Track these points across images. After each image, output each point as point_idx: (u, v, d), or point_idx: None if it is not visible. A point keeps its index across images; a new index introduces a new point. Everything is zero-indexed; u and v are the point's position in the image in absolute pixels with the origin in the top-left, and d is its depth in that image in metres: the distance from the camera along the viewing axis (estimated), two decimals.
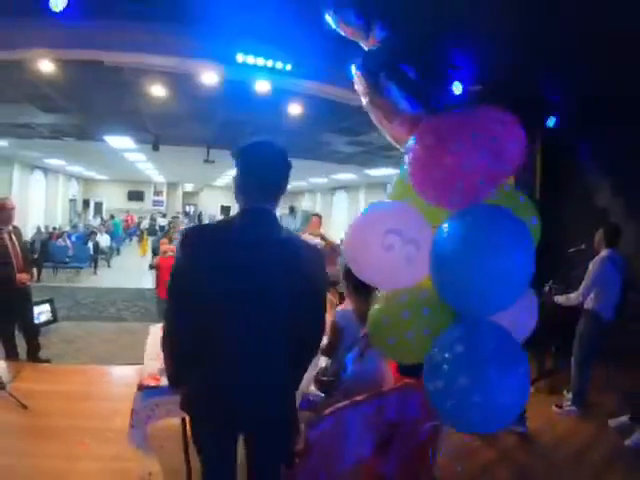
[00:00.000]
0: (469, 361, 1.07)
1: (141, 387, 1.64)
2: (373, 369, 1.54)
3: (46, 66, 3.16)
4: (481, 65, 4.00)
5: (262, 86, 3.75)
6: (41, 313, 4.29)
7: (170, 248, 4.70)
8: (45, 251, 8.97)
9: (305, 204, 19.75)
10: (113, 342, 4.69)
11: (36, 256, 8.74)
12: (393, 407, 1.44)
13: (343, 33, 1.48)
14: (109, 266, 11.26)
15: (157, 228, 15.96)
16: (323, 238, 4.46)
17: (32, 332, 3.58)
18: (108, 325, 5.60)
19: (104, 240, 11.45)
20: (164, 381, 1.58)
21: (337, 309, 1.77)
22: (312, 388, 1.62)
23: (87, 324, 5.52)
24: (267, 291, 1.17)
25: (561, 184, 4.46)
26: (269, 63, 3.23)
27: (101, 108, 4.92)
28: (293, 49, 3.38)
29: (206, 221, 15.44)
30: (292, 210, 19.54)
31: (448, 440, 2.40)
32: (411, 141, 1.18)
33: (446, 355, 1.09)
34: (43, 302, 4.41)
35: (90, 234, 11.09)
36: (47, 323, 4.38)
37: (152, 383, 1.63)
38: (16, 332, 3.45)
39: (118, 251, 13.50)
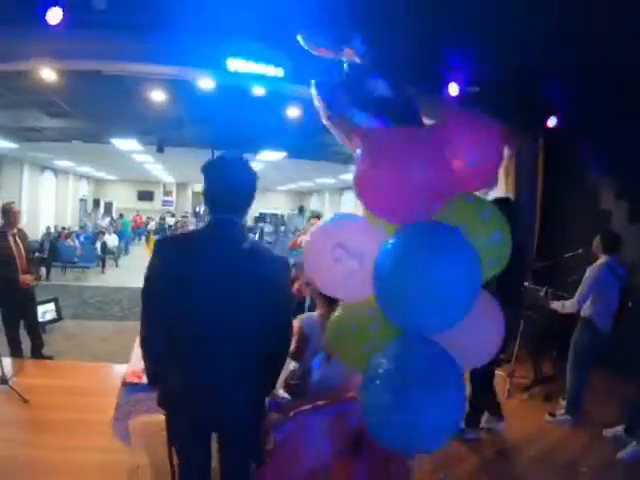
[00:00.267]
0: (394, 379, 1.06)
1: (125, 383, 1.78)
2: (338, 374, 1.57)
3: (48, 75, 3.35)
4: (479, 66, 4.04)
5: (259, 89, 3.88)
6: (46, 312, 4.53)
7: None
8: (54, 251, 9.30)
9: (313, 204, 19.91)
10: (114, 340, 4.88)
11: (45, 256, 9.08)
12: (356, 414, 1.43)
13: (316, 54, 1.52)
14: (117, 265, 11.59)
15: (166, 227, 16.37)
16: None
17: (36, 330, 3.79)
18: (111, 324, 5.82)
19: (112, 240, 11.78)
20: (145, 379, 1.71)
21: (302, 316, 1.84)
22: (281, 391, 1.70)
23: (91, 323, 5.75)
24: (231, 298, 1.27)
25: (563, 186, 4.46)
26: (262, 69, 3.34)
27: (104, 112, 5.14)
28: (286, 54, 3.48)
29: None
30: (301, 210, 19.70)
31: None
32: (357, 155, 1.20)
33: (378, 371, 1.09)
34: (48, 301, 4.65)
35: (98, 234, 11.43)
36: (52, 321, 4.62)
37: (135, 380, 1.76)
38: (21, 330, 3.67)
39: (127, 250, 13.85)
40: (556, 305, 3.07)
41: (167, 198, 21.11)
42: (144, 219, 18.22)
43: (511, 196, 4.73)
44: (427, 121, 1.53)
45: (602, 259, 2.86)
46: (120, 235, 12.90)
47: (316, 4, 2.28)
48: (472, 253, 1.10)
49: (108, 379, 3.53)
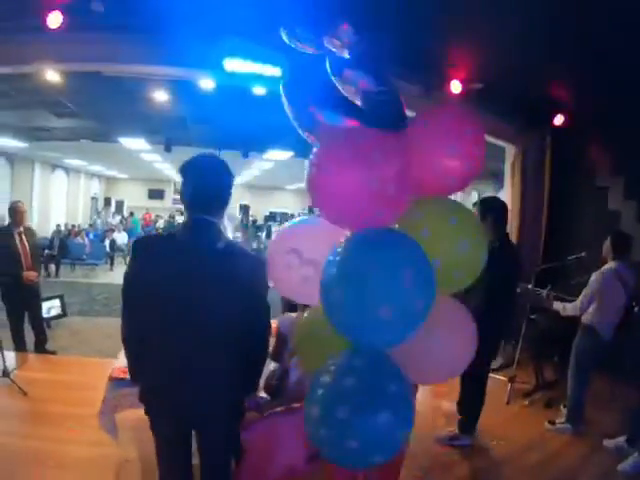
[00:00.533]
0: (327, 392, 1.03)
1: (111, 378, 1.87)
2: None
3: (52, 76, 3.49)
4: (483, 63, 4.01)
5: (259, 89, 3.95)
6: (51, 308, 4.71)
7: None
8: (63, 248, 9.61)
9: None
10: (119, 337, 5.04)
11: (55, 253, 9.39)
12: None
13: (301, 49, 1.42)
14: (126, 263, 11.87)
15: (175, 225, 16.69)
16: None
17: (40, 325, 3.96)
18: (117, 321, 5.93)
19: (121, 238, 12.07)
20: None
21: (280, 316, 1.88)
22: (262, 392, 1.73)
23: (97, 319, 5.94)
24: (205, 298, 1.31)
25: (570, 185, 4.40)
26: (258, 69, 3.40)
27: (109, 112, 5.30)
28: (283, 53, 3.53)
29: (225, 219, 15.86)
30: (311, 210, 19.76)
31: (423, 453, 2.47)
32: (310, 159, 1.15)
33: (318, 380, 1.07)
34: (54, 297, 4.83)
35: (106, 232, 11.73)
36: (56, 317, 4.80)
37: (121, 375, 1.85)
38: (26, 325, 3.84)
39: None
40: (557, 306, 3.01)
41: (178, 196, 21.34)
42: (153, 217, 18.58)
43: (510, 195, 4.72)
44: None
45: (610, 264, 2.76)
46: (130, 233, 13.19)
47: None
48: (421, 263, 1.03)
49: (107, 374, 3.67)
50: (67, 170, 14.36)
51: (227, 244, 1.37)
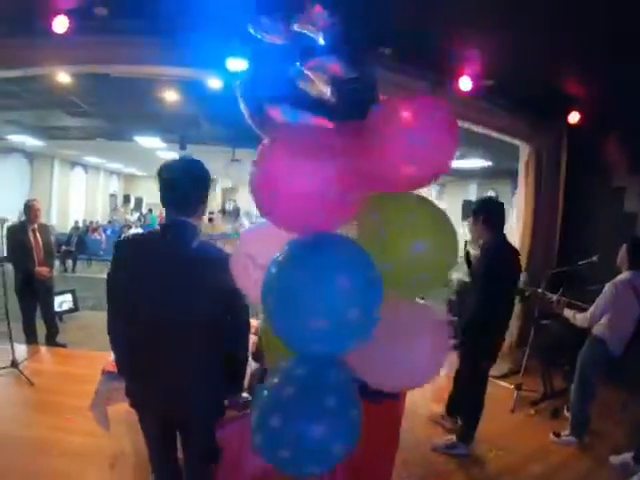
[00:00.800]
0: (264, 397, 1.01)
1: (104, 372, 1.97)
2: None
3: (64, 78, 3.66)
4: (494, 59, 3.94)
5: None
6: (63, 302, 4.94)
7: None
8: (81, 244, 10.00)
9: None
10: None
11: (72, 249, 9.80)
12: None
13: (270, 41, 1.27)
14: None
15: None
16: None
17: (51, 319, 4.17)
18: None
19: None
20: None
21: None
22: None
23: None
24: (180, 298, 1.35)
25: (586, 186, 4.28)
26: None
27: (122, 112, 5.49)
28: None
29: (243, 218, 16.03)
30: None
31: (418, 460, 2.50)
32: (254, 160, 1.09)
33: (266, 384, 1.05)
34: (66, 292, 5.07)
35: (123, 228, 12.12)
36: (68, 311, 5.03)
37: (112, 369, 1.94)
38: (38, 318, 4.04)
39: None
40: (568, 314, 2.93)
41: None
42: None
43: (523, 196, 4.61)
44: None
45: (625, 274, 2.66)
46: (147, 229, 13.54)
47: None
48: (359, 270, 0.96)
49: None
50: (86, 167, 14.88)
51: (201, 244, 1.41)
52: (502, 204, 2.69)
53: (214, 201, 21.65)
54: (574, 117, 3.99)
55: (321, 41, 1.13)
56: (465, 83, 3.96)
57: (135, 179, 21.79)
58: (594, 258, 3.28)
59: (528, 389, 3.45)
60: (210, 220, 11.69)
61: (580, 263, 3.42)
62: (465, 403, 2.69)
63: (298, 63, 1.09)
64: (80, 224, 11.91)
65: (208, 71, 3.48)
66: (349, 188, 1.00)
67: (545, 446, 2.77)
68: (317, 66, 1.10)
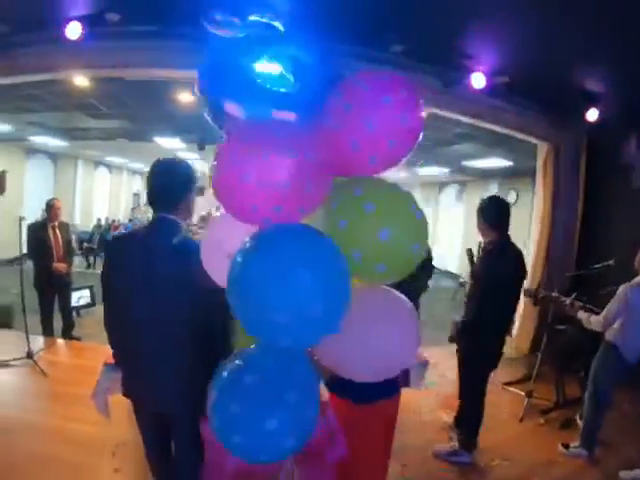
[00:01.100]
0: (223, 381, 1.02)
1: (106, 363, 2.08)
2: None
3: (81, 81, 3.86)
4: (509, 54, 3.87)
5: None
6: (81, 297, 5.20)
7: None
8: (102, 242, 10.43)
9: None
10: None
11: (94, 246, 10.25)
12: None
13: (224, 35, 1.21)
14: None
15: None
16: (427, 251, 4.98)
17: (68, 313, 4.40)
18: None
19: None
20: None
21: None
22: None
23: None
24: (161, 295, 1.41)
25: (606, 186, 4.14)
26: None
27: (141, 113, 5.70)
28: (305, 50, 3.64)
29: None
30: None
31: (417, 465, 2.49)
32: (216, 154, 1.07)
33: (224, 367, 1.06)
34: (84, 288, 5.33)
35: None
36: (85, 306, 5.28)
37: (112, 361, 2.04)
38: (56, 312, 4.27)
39: None
40: (582, 316, 2.84)
41: None
42: None
43: (542, 196, 4.49)
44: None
45: (639, 278, 2.57)
46: None
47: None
48: (321, 263, 0.94)
49: None
50: (109, 167, 15.44)
51: (182, 240, 1.44)
52: (507, 204, 2.65)
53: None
54: (593, 115, 3.86)
55: (280, 28, 1.10)
56: (478, 80, 3.90)
57: None
58: (611, 262, 3.19)
59: (540, 397, 3.37)
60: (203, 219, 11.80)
61: (596, 266, 3.33)
62: (464, 408, 2.66)
63: (256, 55, 1.06)
64: (103, 222, 12.41)
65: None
66: (310, 177, 0.98)
67: (552, 458, 2.69)
68: (275, 55, 1.07)
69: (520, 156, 6.50)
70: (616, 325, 2.58)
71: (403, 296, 1.20)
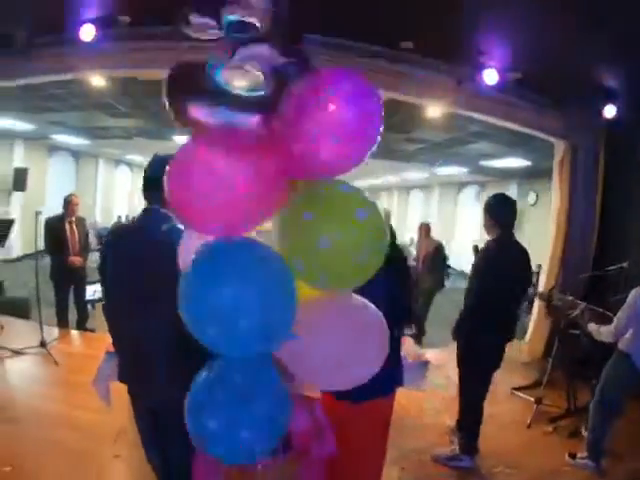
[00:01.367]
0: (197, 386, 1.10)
1: (107, 350, 2.17)
2: None
3: (98, 81, 4.02)
4: (522, 50, 3.79)
5: None
6: (96, 291, 5.37)
7: None
8: None
9: (382, 203, 19.87)
10: None
11: None
12: None
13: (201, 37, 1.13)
14: None
15: None
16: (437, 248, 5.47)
17: (83, 306, 4.59)
18: None
19: None
20: None
21: None
22: None
23: None
24: (139, 285, 1.45)
25: (624, 186, 3.99)
26: None
27: (159, 112, 5.86)
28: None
29: None
30: None
31: (415, 468, 2.50)
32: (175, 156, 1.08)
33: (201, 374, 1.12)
34: (99, 282, 5.50)
35: None
36: (100, 300, 5.45)
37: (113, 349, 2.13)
38: (71, 305, 4.47)
39: None
40: (592, 328, 2.75)
41: None
42: None
43: (558, 196, 4.39)
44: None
45: None
46: None
47: None
48: (255, 279, 0.95)
49: None
50: (130, 166, 15.89)
51: (169, 229, 1.43)
52: (513, 202, 2.63)
53: None
54: (610, 111, 3.74)
55: (256, 24, 1.04)
56: (491, 76, 3.84)
57: None
58: (625, 264, 3.10)
59: (550, 403, 3.30)
60: None
61: (610, 269, 3.23)
62: (463, 409, 2.64)
63: (227, 56, 1.01)
64: (123, 219, 12.80)
65: None
66: (265, 184, 0.98)
67: (557, 467, 2.62)
68: (249, 56, 1.01)
69: (539, 156, 6.35)
70: (628, 334, 2.50)
71: (365, 304, 1.16)
